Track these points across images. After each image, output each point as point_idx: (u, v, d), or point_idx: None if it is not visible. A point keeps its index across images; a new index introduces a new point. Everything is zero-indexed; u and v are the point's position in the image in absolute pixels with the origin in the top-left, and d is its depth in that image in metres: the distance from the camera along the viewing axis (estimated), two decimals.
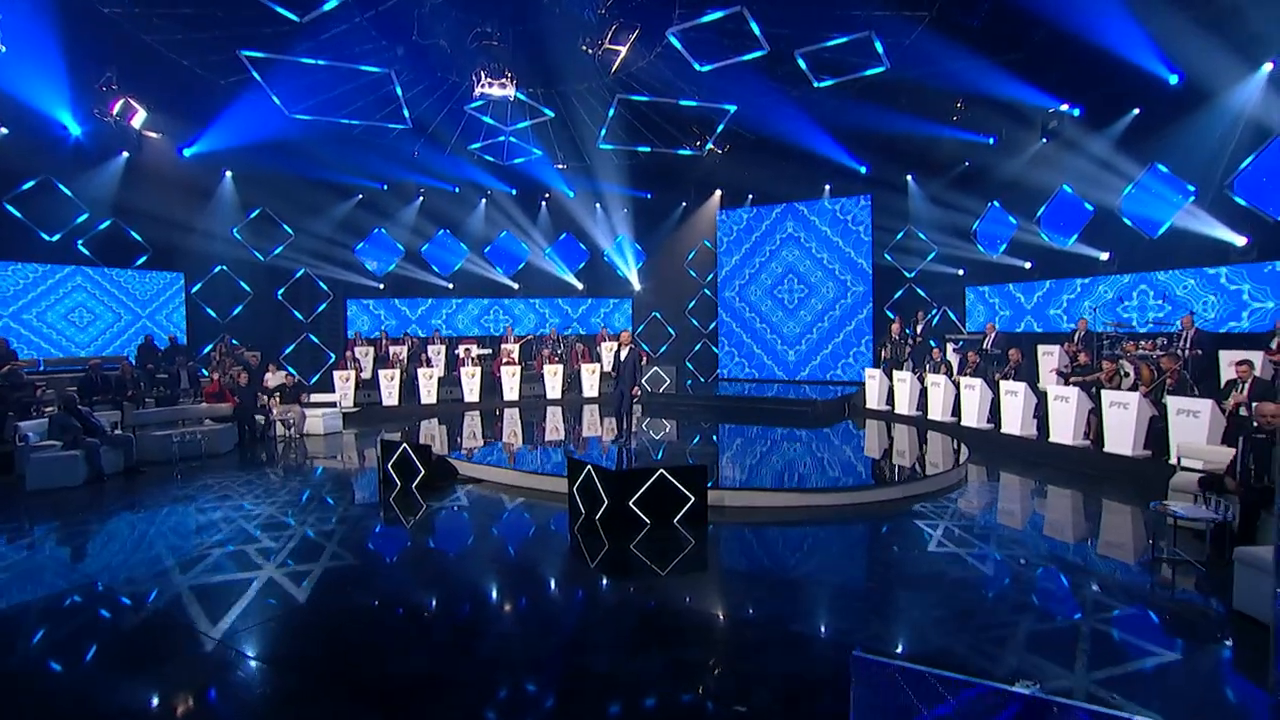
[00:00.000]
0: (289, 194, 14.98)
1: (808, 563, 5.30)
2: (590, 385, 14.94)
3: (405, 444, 7.75)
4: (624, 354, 8.97)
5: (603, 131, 12.97)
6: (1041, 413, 8.93)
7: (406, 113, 11.25)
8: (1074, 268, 11.93)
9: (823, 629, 3.98)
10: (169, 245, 13.63)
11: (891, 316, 14.53)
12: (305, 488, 7.78)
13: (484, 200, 17.27)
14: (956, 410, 10.48)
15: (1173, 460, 6.33)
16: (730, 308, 17.12)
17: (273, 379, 11.84)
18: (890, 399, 12.07)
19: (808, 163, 14.37)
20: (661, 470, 6.17)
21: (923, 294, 14.79)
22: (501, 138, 12.61)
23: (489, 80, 9.07)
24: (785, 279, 16.35)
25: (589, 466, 6.35)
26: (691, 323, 17.89)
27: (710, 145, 13.66)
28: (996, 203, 13.44)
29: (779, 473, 7.75)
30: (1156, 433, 7.30)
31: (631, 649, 3.74)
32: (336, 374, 13.48)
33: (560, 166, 16.34)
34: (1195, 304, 9.96)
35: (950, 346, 12.27)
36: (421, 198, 16.66)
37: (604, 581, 5.01)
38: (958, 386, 10.47)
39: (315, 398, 12.21)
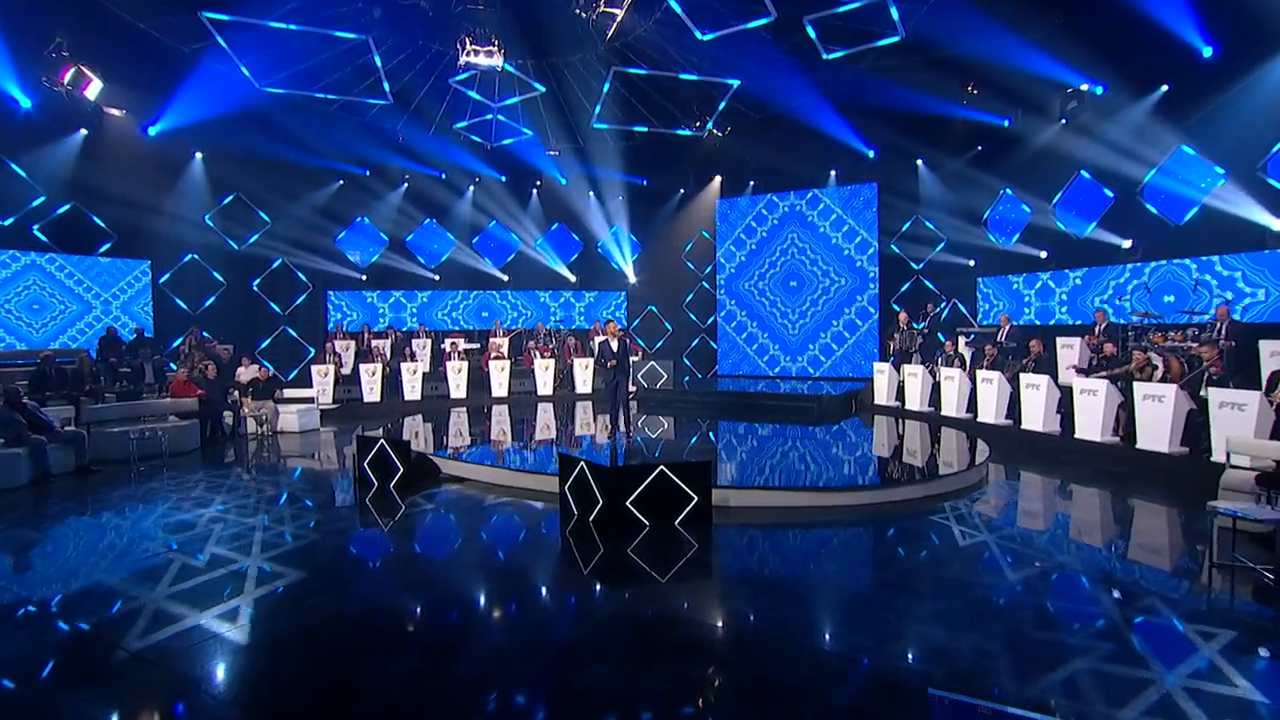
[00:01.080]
0: (265, 178, 14.49)
1: (823, 569, 4.89)
2: (583, 381, 14.56)
3: (383, 441, 7.34)
4: (615, 345, 8.72)
5: (597, 109, 12.51)
6: (1066, 407, 8.55)
7: (387, 86, 10.76)
8: (1093, 256, 11.58)
9: (847, 645, 3.55)
10: (135, 231, 13.10)
11: (897, 309, 14.15)
12: (273, 488, 7.33)
13: (472, 187, 16.85)
14: (972, 405, 10.11)
15: (1217, 457, 5.94)
16: (729, 301, 16.76)
17: (245, 373, 11.35)
18: (900, 394, 11.72)
19: (813, 146, 13.99)
20: (662, 467, 5.75)
21: (931, 286, 14.46)
22: (489, 116, 12.14)
23: (475, 48, 8.61)
24: (787, 271, 16.01)
25: (582, 463, 5.95)
26: (689, 317, 17.56)
27: (710, 126, 13.23)
28: (1009, 189, 13.09)
29: (787, 471, 7.35)
30: (1194, 428, 6.92)
31: (628, 664, 3.31)
32: (315, 369, 13.05)
33: (553, 152, 15.92)
34: (1238, 291, 9.57)
35: (962, 340, 11.91)
36: (406, 184, 16.24)
37: (598, 588, 4.59)
38: (974, 380, 10.09)
39: (291, 394, 11.75)
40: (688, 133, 13.61)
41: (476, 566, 5.04)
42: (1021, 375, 9.07)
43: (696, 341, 17.48)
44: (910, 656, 3.41)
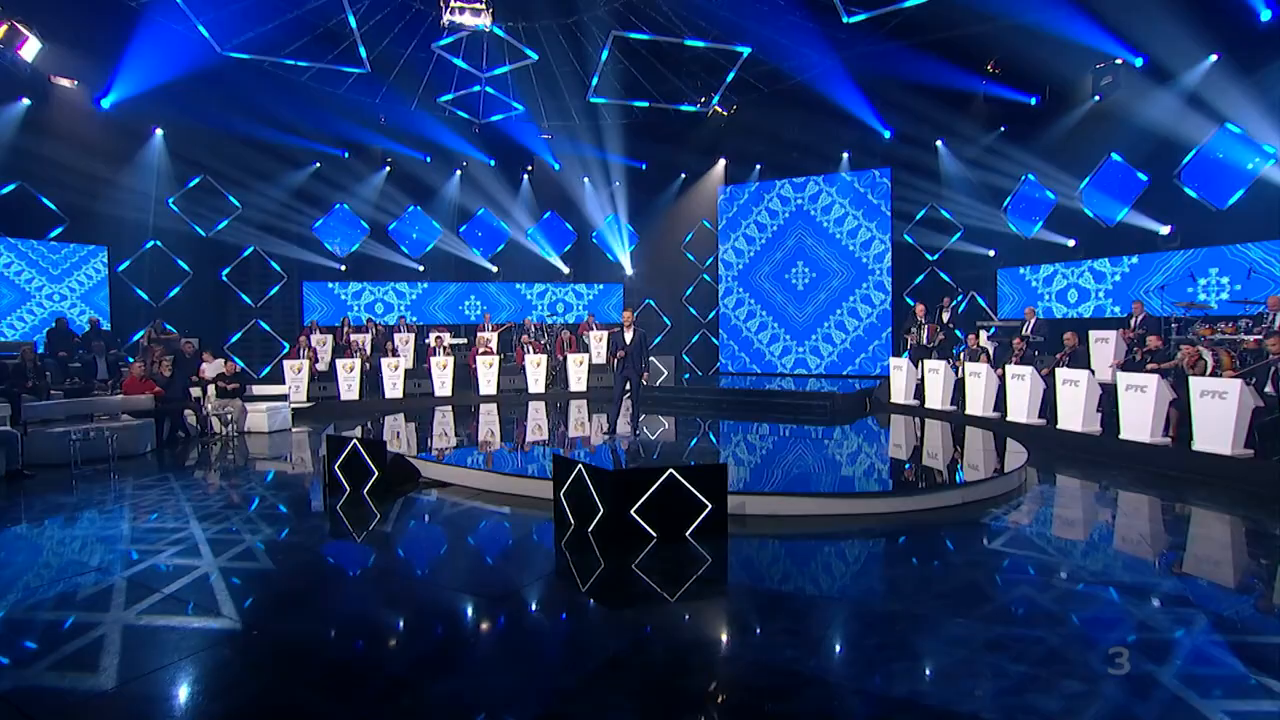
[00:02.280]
0: (235, 159, 13.79)
1: (859, 588, 4.32)
2: (577, 379, 14.00)
3: (355, 441, 6.76)
4: (629, 336, 8.23)
5: (594, 80, 11.90)
6: (1107, 405, 8.01)
7: (363, 52, 10.07)
8: (1126, 244, 11.09)
9: (905, 688, 2.95)
10: (89, 215, 12.37)
11: (911, 303, 13.70)
12: (230, 495, 6.71)
13: (459, 172, 16.30)
14: (999, 404, 9.57)
15: None
16: (736, 291, 16.26)
17: (210, 369, 10.69)
18: (919, 392, 11.17)
19: (825, 127, 13.48)
20: (671, 470, 5.15)
21: (946, 278, 13.98)
22: (476, 87, 11.50)
23: (460, 4, 7.98)
24: (792, 262, 15.52)
25: (580, 466, 5.38)
26: (689, 311, 17.07)
27: (716, 101, 12.62)
28: (1032, 175, 12.59)
29: (804, 475, 6.78)
30: (1261, 427, 6.36)
31: (633, 703, 2.70)
32: (287, 364, 12.47)
33: (545, 135, 15.34)
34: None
35: (984, 334, 11.39)
36: (389, 168, 15.68)
37: (597, 609, 3.99)
38: (1003, 377, 9.55)
39: (262, 391, 11.16)
40: (692, 109, 13.00)
41: (456, 586, 4.43)
42: (1057, 371, 8.52)
43: (697, 337, 17.04)
44: (980, 694, 2.81)
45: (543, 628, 3.78)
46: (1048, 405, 8.82)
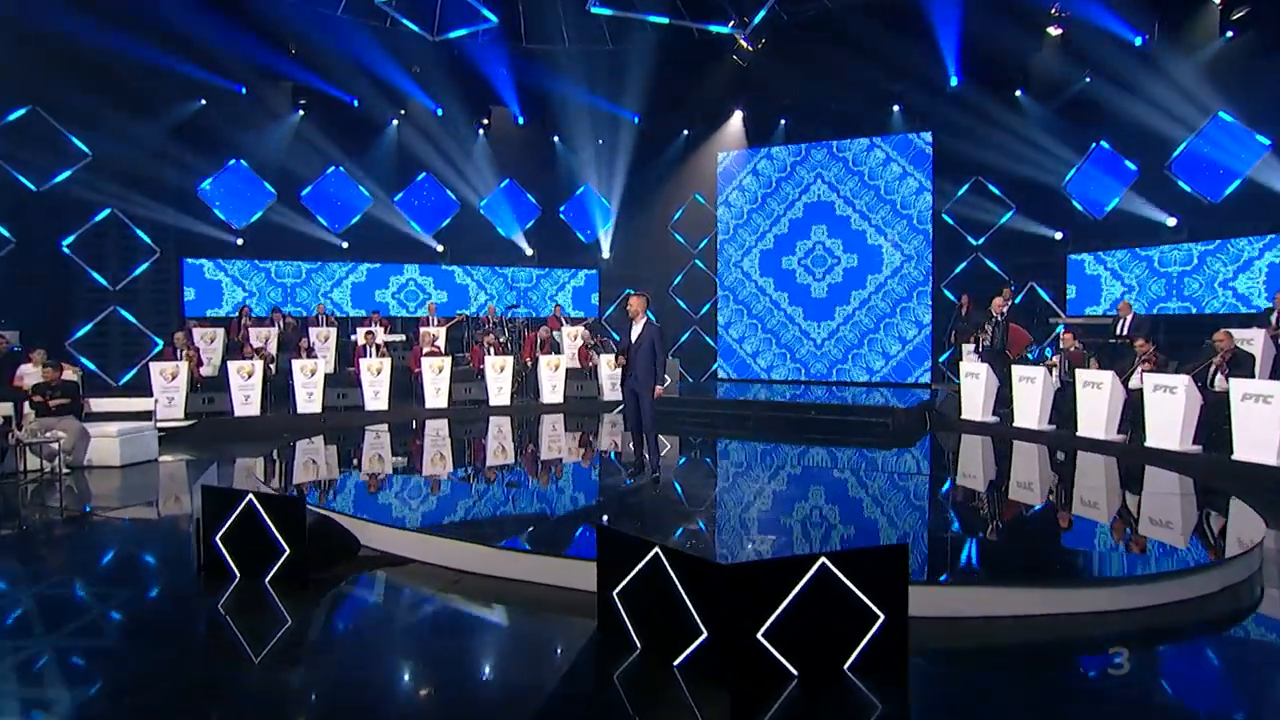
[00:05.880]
0: (84, 86, 11.19)
1: None
2: (552, 387, 12.06)
3: (252, 497, 4.54)
4: (636, 332, 6.38)
5: None
6: None
7: None
8: (1240, 225, 9.84)
9: None
10: None
11: (952, 298, 12.50)
12: (34, 580, 4.49)
13: (396, 121, 14.34)
14: (1127, 425, 8.04)
15: None
16: (733, 284, 14.81)
17: (31, 374, 8.18)
18: (1000, 405, 9.64)
19: (866, 75, 11.86)
20: (824, 559, 3.28)
21: (994, 266, 12.76)
22: None
23: None
24: (812, 245, 14.06)
25: (656, 550, 3.48)
26: (678, 304, 15.60)
27: (762, 17, 10.72)
28: (1105, 142, 11.35)
29: (962, 545, 4.93)
30: None
31: None
32: (156, 368, 10.16)
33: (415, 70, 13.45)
34: None
35: (1068, 336, 9.99)
36: (302, 112, 13.63)
37: None
38: (1130, 389, 8.02)
39: (114, 406, 8.73)
40: (723, 29, 11.11)
41: None
42: (1234, 382, 6.91)
43: (688, 335, 15.55)
44: None
45: None
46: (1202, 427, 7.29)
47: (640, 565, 3.51)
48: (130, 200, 12.20)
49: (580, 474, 7.52)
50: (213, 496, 4.65)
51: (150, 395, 9.56)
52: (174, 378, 10.03)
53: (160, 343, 12.19)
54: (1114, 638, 3.56)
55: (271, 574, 4.34)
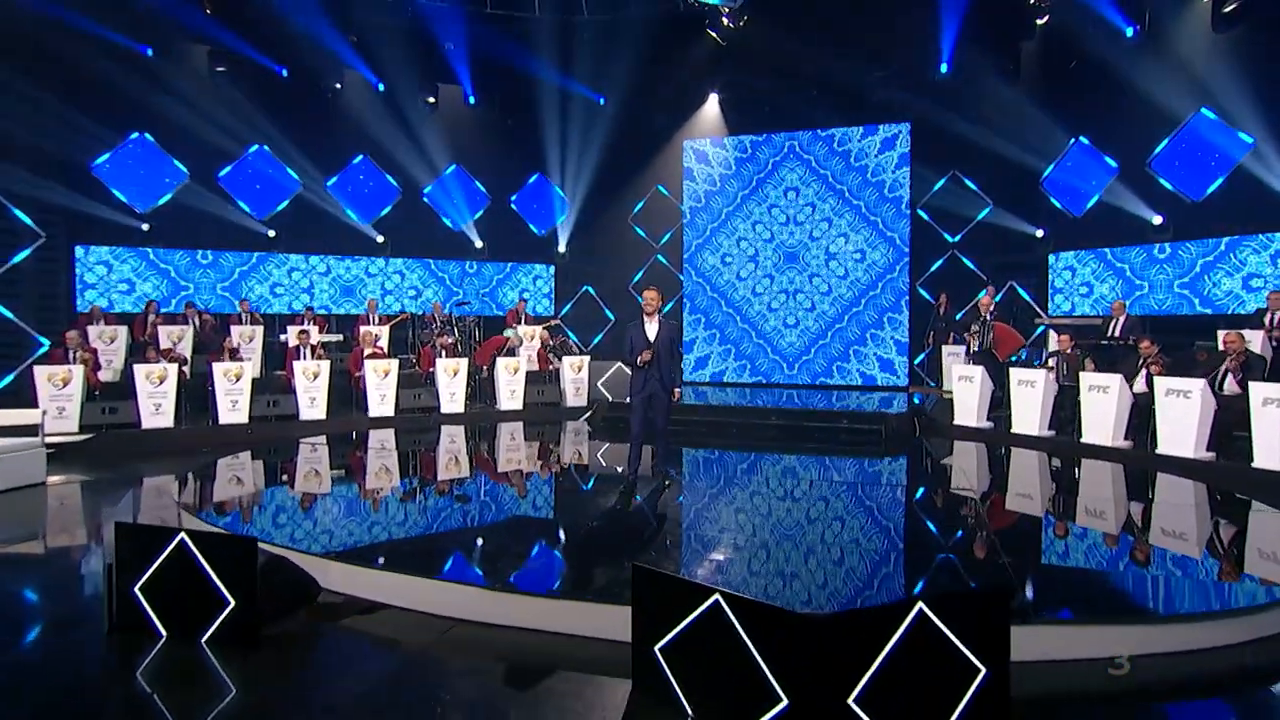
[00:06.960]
0: None
1: None
2: (510, 392, 11.26)
3: (184, 535, 3.70)
4: (653, 329, 5.88)
5: None
6: None
7: None
8: (1223, 224, 9.90)
9: None
10: None
11: (928, 297, 12.48)
12: None
13: (331, 95, 13.25)
14: (1134, 431, 7.88)
15: None
16: (699, 281, 14.38)
17: None
18: (998, 408, 9.44)
19: (850, 57, 11.67)
20: (921, 605, 2.80)
21: (970, 265, 12.74)
22: None
23: None
24: (783, 240, 13.76)
25: (717, 596, 2.93)
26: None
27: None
28: (1084, 138, 11.39)
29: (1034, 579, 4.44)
30: None
31: None
32: (41, 372, 8.84)
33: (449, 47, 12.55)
34: None
35: (1064, 338, 9.88)
36: (220, 81, 12.43)
37: None
38: (1139, 395, 7.84)
39: None
40: (717, 1, 10.56)
41: None
42: (1252, 386, 6.76)
43: None
44: None
45: None
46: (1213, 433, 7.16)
47: (695, 615, 2.91)
48: (9, 177, 10.84)
49: (571, 492, 6.73)
50: (130, 535, 3.73)
51: (35, 405, 8.27)
52: (65, 384, 8.70)
53: (47, 343, 10.82)
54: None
55: (209, 632, 3.48)
